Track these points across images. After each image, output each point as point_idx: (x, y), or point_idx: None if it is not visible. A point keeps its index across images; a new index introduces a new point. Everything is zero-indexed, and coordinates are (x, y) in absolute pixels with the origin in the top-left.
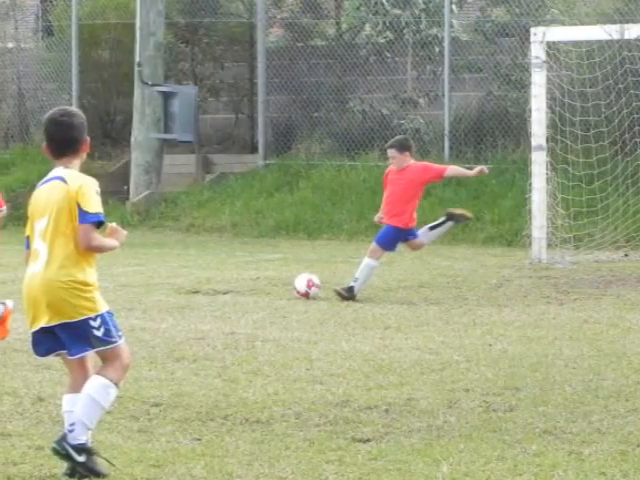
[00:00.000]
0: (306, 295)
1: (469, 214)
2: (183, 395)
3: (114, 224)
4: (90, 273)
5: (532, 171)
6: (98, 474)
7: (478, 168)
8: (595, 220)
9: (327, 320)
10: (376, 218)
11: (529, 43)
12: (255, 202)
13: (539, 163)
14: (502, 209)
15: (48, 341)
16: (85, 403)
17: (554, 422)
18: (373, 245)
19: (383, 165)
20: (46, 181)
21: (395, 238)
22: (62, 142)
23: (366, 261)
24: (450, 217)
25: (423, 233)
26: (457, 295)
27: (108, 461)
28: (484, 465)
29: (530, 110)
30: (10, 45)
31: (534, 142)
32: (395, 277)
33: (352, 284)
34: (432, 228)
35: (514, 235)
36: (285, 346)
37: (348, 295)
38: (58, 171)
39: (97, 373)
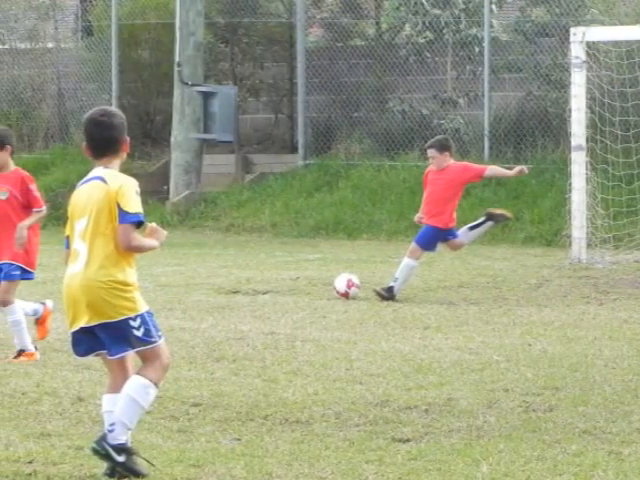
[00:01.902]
0: (346, 295)
1: (509, 214)
2: (223, 395)
3: (154, 224)
4: (130, 273)
5: (572, 171)
6: (138, 474)
7: (518, 168)
8: (635, 220)
9: (367, 320)
10: (416, 218)
11: (569, 43)
12: (295, 202)
13: (579, 163)
14: (542, 209)
15: (88, 341)
16: (125, 403)
17: (594, 422)
18: (413, 245)
19: (423, 165)
20: (86, 181)
21: (435, 238)
22: (102, 142)
23: (406, 261)
24: (490, 217)
25: (463, 233)
26: (497, 295)
27: (148, 461)
28: (524, 465)
29: (570, 110)
30: (50, 45)
31: (574, 142)
32: (435, 277)
33: (392, 284)
34: (472, 228)
35: (554, 235)
36: (325, 346)
37: (388, 295)
38: (98, 171)
39: (137, 373)
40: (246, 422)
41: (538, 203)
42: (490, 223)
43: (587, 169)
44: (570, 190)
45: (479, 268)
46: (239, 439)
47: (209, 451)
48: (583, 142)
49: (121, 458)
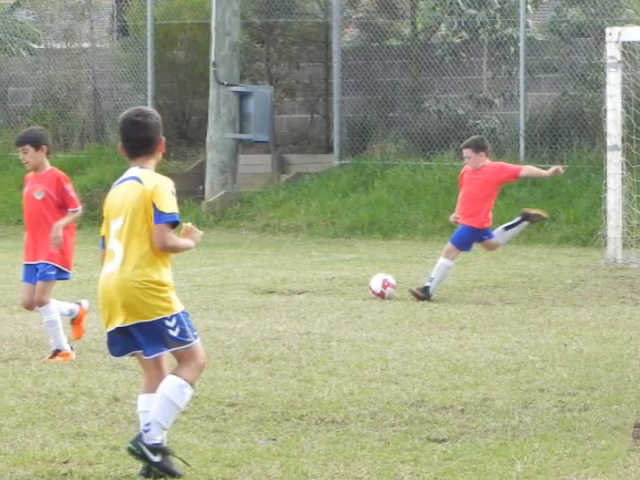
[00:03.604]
0: (381, 295)
1: (544, 214)
2: (259, 395)
3: (189, 224)
4: (165, 273)
5: (607, 171)
6: (173, 474)
7: (553, 168)
8: None
9: (402, 320)
10: (451, 218)
11: (604, 43)
12: (330, 202)
13: (614, 163)
14: (577, 209)
15: (124, 341)
16: (160, 403)
17: (624, 418)
18: (448, 245)
19: (458, 165)
20: (121, 181)
21: (470, 238)
22: (137, 142)
23: (441, 261)
24: (525, 217)
25: (498, 233)
26: (532, 295)
27: (183, 461)
28: (556, 462)
29: (605, 110)
30: (85, 45)
31: (609, 142)
32: (470, 277)
33: (427, 284)
34: (507, 228)
35: (589, 235)
36: (360, 346)
37: (423, 295)
38: (133, 171)
39: (172, 373)
40: (282, 422)
41: (574, 203)
42: (526, 223)
43: (623, 169)
44: (606, 190)
45: (515, 268)
46: (275, 439)
47: (245, 451)
48: (619, 142)
49: (157, 458)
